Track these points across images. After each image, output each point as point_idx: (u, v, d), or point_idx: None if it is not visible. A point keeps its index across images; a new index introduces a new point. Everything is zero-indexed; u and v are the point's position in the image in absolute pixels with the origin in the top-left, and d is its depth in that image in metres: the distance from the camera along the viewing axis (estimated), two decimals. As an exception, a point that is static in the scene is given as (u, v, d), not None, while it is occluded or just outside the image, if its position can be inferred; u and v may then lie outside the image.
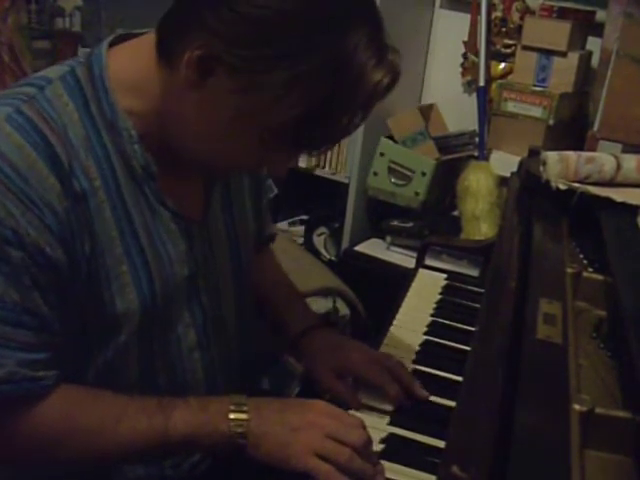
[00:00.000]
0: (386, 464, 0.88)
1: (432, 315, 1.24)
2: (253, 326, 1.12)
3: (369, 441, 0.87)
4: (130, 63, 0.85)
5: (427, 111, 2.36)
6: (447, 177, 2.23)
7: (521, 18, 2.18)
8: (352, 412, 0.97)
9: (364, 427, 0.89)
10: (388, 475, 0.87)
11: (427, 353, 1.12)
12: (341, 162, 2.35)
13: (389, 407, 0.98)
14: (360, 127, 2.40)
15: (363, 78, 0.76)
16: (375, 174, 2.27)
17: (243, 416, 0.86)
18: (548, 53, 2.03)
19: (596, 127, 1.73)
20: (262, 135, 0.80)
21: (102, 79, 0.84)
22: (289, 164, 0.88)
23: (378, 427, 0.94)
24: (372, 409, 0.98)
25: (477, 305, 1.25)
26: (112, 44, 0.87)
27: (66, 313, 0.83)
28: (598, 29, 1.99)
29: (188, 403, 0.87)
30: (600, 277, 0.96)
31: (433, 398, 1.01)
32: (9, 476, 0.97)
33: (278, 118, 0.77)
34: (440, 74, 2.44)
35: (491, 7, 2.20)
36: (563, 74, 2.02)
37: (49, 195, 0.78)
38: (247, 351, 1.08)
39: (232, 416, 0.86)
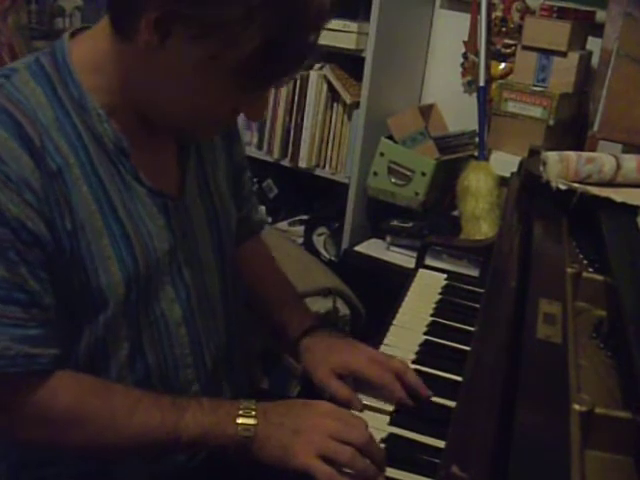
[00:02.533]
0: (386, 464, 0.88)
1: (432, 315, 1.24)
2: (240, 313, 1.14)
3: (371, 440, 0.88)
4: (90, 46, 0.89)
5: (427, 111, 2.36)
6: (447, 177, 2.23)
7: (521, 18, 2.18)
8: (354, 412, 0.97)
9: (366, 426, 0.89)
10: (388, 475, 0.87)
11: (427, 353, 1.12)
12: (341, 162, 2.35)
13: (389, 407, 0.98)
14: (360, 127, 2.41)
15: (307, 2, 0.79)
16: (375, 174, 2.27)
17: (251, 421, 0.88)
18: (548, 53, 2.03)
19: (596, 127, 1.73)
20: (230, 76, 0.82)
21: (66, 63, 0.87)
22: (264, 103, 0.92)
23: (378, 427, 0.94)
24: (373, 409, 0.98)
25: (477, 305, 1.25)
26: (73, 36, 0.91)
27: (56, 289, 0.85)
28: (598, 29, 1.99)
29: (200, 404, 0.90)
30: (600, 277, 0.96)
31: (433, 398, 1.01)
32: (4, 475, 0.98)
33: (240, 54, 0.79)
34: (440, 74, 2.44)
35: (491, 7, 2.20)
36: (563, 74, 2.02)
37: (24, 172, 0.80)
38: (234, 335, 1.10)
39: (240, 420, 0.88)
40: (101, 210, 0.88)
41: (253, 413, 0.89)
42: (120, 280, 0.89)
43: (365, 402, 0.99)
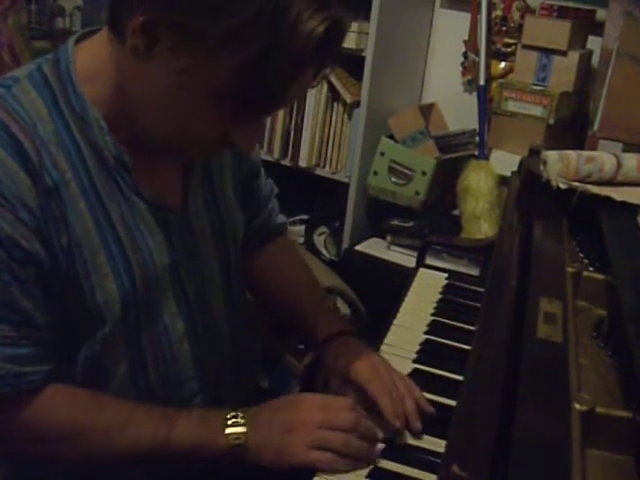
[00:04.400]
0: (386, 464, 0.89)
1: (432, 314, 1.24)
2: (246, 319, 1.13)
3: (358, 421, 0.90)
4: (93, 53, 0.87)
5: (427, 110, 2.36)
6: (447, 176, 2.23)
7: (521, 17, 2.18)
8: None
9: (352, 408, 0.92)
10: (390, 469, 0.88)
11: (427, 352, 1.12)
12: (341, 161, 2.35)
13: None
14: (360, 126, 2.39)
15: (297, 27, 0.74)
16: (375, 173, 2.27)
17: (240, 429, 0.88)
18: (548, 52, 2.03)
19: (596, 126, 1.73)
20: (213, 98, 0.78)
21: (69, 73, 0.85)
22: (255, 135, 0.88)
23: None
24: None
25: (477, 304, 1.25)
26: (79, 41, 0.89)
27: (51, 306, 0.84)
28: (598, 28, 1.99)
29: (190, 415, 0.90)
30: (600, 276, 0.96)
31: (433, 398, 1.01)
32: (4, 474, 0.98)
33: (220, 71, 0.76)
34: (440, 73, 2.44)
35: (491, 6, 2.20)
36: (563, 73, 2.02)
37: (21, 191, 0.79)
38: (239, 344, 1.09)
39: (229, 430, 0.88)
40: (98, 226, 0.86)
41: (242, 421, 0.89)
42: (117, 298, 0.88)
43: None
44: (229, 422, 0.89)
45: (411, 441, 0.93)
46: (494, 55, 2.22)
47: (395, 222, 2.23)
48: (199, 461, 0.94)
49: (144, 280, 0.90)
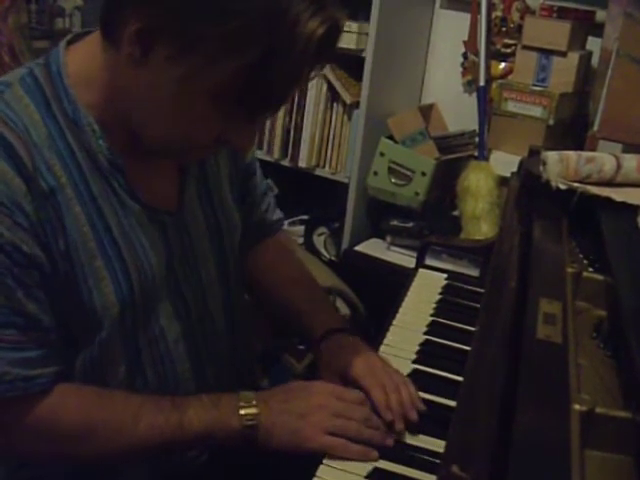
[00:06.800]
0: (386, 464, 0.89)
1: (432, 315, 1.24)
2: (245, 319, 1.13)
3: (371, 414, 0.92)
4: (85, 56, 0.86)
5: (427, 111, 2.36)
6: (447, 177, 2.23)
7: (521, 18, 2.18)
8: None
9: (365, 402, 0.94)
10: (390, 470, 0.88)
11: (427, 353, 1.12)
12: (341, 162, 2.35)
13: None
14: (360, 127, 2.40)
15: (297, 29, 0.74)
16: (375, 174, 2.27)
17: (253, 410, 0.90)
18: (548, 53, 2.03)
19: (596, 127, 1.73)
20: (213, 101, 0.79)
21: (60, 76, 0.85)
22: (251, 133, 0.88)
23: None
24: None
25: (477, 305, 1.25)
26: (71, 42, 0.89)
27: (52, 309, 0.85)
28: (598, 29, 1.99)
29: (201, 400, 0.90)
30: (600, 277, 0.96)
31: (433, 398, 1.01)
32: (3, 475, 0.98)
33: (220, 75, 0.76)
34: (440, 74, 2.44)
35: (491, 7, 2.20)
36: (563, 74, 2.02)
37: (16, 196, 0.79)
38: (237, 344, 1.09)
39: (242, 412, 0.89)
40: (94, 230, 0.86)
41: (254, 402, 0.90)
42: (114, 301, 0.88)
43: None
44: (241, 404, 0.90)
45: (410, 440, 0.93)
46: (494, 56, 2.22)
47: (395, 222, 2.24)
48: (213, 444, 0.94)
49: (141, 283, 0.90)
